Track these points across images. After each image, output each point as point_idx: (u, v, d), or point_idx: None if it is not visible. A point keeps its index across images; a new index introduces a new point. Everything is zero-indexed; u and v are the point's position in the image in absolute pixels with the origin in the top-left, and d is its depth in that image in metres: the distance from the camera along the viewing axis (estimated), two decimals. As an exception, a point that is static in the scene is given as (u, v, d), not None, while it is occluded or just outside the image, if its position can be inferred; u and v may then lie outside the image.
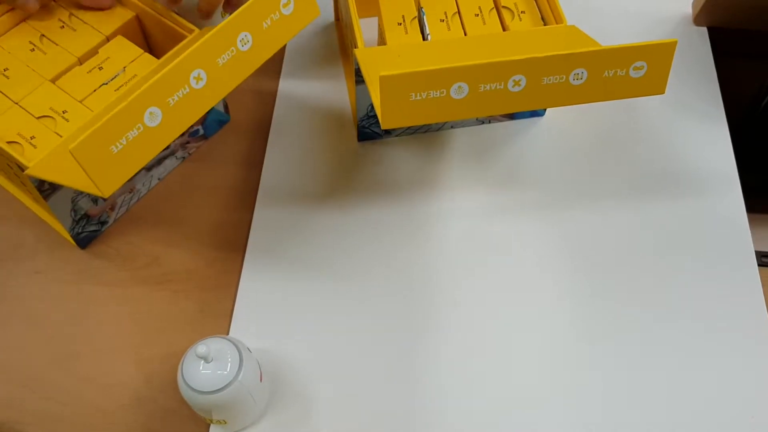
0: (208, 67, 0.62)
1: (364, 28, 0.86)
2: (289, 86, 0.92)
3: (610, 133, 0.88)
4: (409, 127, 0.87)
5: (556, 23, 0.79)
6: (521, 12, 0.81)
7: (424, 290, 0.77)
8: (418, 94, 0.64)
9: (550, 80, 0.65)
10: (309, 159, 0.86)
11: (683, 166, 0.85)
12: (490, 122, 0.89)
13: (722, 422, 0.70)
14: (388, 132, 0.87)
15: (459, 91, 0.64)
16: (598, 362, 0.73)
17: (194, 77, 0.61)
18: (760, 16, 0.92)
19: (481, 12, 0.81)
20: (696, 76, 0.92)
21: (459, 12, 0.81)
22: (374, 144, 0.87)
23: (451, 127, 0.88)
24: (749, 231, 0.81)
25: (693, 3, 0.97)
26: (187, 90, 0.61)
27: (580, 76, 0.66)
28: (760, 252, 0.84)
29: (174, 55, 0.74)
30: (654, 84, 0.68)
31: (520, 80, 0.65)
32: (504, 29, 0.80)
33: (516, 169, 0.85)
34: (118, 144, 0.57)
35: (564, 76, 0.65)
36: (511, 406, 0.71)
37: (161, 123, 0.60)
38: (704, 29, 0.96)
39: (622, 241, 0.80)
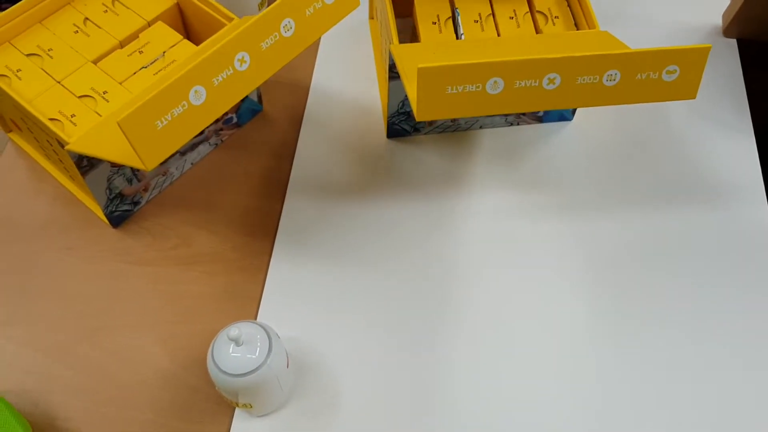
0: (252, 51, 0.64)
1: (398, 28, 0.88)
2: (322, 80, 0.93)
3: (636, 140, 0.88)
4: (438, 125, 0.88)
5: (589, 29, 0.80)
6: (555, 17, 0.82)
7: (448, 287, 0.78)
8: (454, 88, 0.65)
9: (584, 80, 0.67)
10: (339, 152, 0.87)
11: (709, 176, 0.86)
12: (518, 124, 0.90)
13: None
14: (417, 129, 0.88)
15: (495, 86, 0.66)
16: (613, 369, 0.73)
17: (238, 59, 0.63)
18: (790, 31, 0.94)
19: (515, 15, 0.82)
20: (724, 87, 0.93)
21: (493, 14, 0.82)
22: (403, 141, 0.89)
23: (480, 127, 0.89)
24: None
25: (723, 15, 0.98)
26: (231, 71, 0.63)
27: (613, 77, 0.67)
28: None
29: (213, 42, 0.76)
30: (686, 88, 0.69)
31: (555, 78, 0.66)
32: (537, 33, 0.81)
33: (542, 172, 0.86)
34: (163, 119, 0.59)
35: (598, 77, 0.67)
36: (525, 407, 0.71)
37: (205, 102, 0.62)
38: (734, 41, 0.97)
39: (645, 248, 0.81)
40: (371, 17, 1.00)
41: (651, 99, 0.69)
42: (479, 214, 0.83)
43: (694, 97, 0.69)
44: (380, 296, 0.77)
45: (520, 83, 0.66)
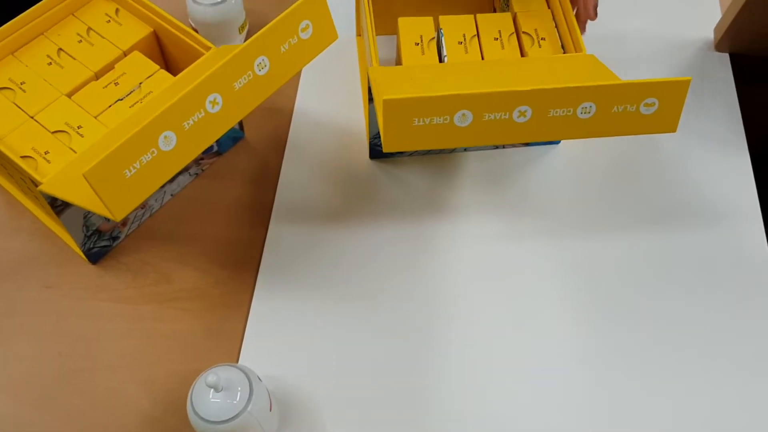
0: (224, 92, 0.62)
1: (383, 45, 0.85)
2: (306, 103, 0.91)
3: (627, 162, 0.87)
4: (422, 148, 0.87)
5: (576, 52, 0.78)
6: (541, 38, 0.80)
7: (434, 314, 0.76)
8: (421, 120, 0.63)
9: (556, 113, 0.65)
10: (323, 176, 0.86)
11: (702, 197, 0.84)
12: (504, 147, 0.88)
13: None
14: (400, 151, 0.86)
15: (463, 118, 0.64)
16: (605, 392, 0.72)
17: (210, 101, 0.61)
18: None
19: (500, 36, 0.81)
20: (717, 104, 0.91)
21: (478, 35, 0.80)
22: (386, 162, 0.87)
23: (465, 150, 0.88)
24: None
25: (715, 29, 0.96)
26: (203, 114, 0.61)
27: (588, 110, 0.65)
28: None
29: (190, 72, 0.74)
30: (665, 121, 0.67)
31: (525, 111, 0.64)
32: (522, 55, 0.79)
33: (528, 196, 0.84)
34: (131, 168, 0.57)
35: (571, 110, 0.65)
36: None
37: (175, 147, 0.60)
38: (726, 56, 0.95)
39: (634, 272, 0.79)
40: (358, 34, 0.98)
41: (629, 132, 0.67)
42: (466, 238, 0.81)
43: (675, 131, 0.67)
44: (368, 327, 0.76)
45: (489, 116, 0.64)
